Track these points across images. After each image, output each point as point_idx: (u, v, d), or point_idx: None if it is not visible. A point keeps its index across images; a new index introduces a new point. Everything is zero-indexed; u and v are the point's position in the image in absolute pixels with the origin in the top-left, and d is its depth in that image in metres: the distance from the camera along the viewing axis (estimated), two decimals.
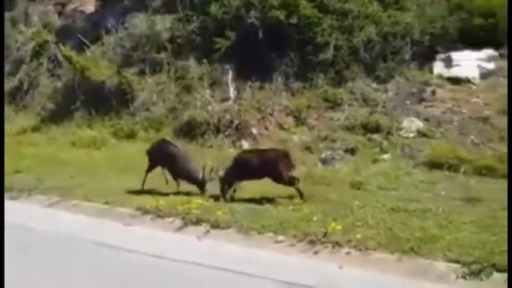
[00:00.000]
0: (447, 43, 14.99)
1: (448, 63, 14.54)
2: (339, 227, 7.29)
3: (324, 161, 12.15)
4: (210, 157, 11.95)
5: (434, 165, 11.33)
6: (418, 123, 12.99)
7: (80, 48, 17.54)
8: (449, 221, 7.64)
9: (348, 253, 6.85)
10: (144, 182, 10.52)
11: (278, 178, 9.27)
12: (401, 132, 12.91)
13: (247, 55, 14.98)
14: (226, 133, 13.94)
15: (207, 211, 8.48)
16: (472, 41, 14.79)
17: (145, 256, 7.18)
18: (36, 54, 18.45)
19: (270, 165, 9.38)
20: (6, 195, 10.18)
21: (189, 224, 8.24)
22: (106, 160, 13.23)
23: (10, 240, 7.08)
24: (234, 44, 15.31)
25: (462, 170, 10.99)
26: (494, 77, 14.24)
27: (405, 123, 13.09)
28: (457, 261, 6.30)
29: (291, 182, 9.26)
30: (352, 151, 12.65)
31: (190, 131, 14.13)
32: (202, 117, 14.16)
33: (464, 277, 6.04)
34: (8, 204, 9.49)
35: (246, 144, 13.45)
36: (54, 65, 17.90)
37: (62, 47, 16.65)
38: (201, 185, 9.99)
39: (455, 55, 14.58)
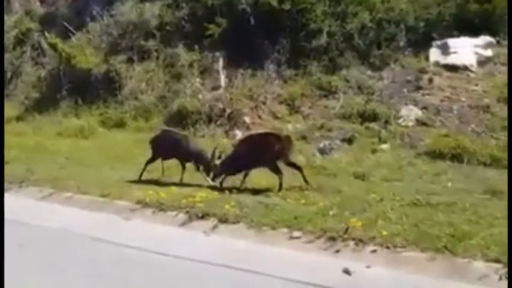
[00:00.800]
0: (443, 29, 14.28)
1: (445, 50, 13.85)
2: (360, 223, 6.72)
3: (322, 151, 11.46)
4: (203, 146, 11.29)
5: (436, 155, 10.71)
6: (417, 112, 12.35)
7: (64, 36, 16.66)
8: (479, 216, 6.99)
9: (373, 251, 6.28)
10: (142, 173, 9.89)
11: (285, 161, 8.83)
12: (400, 121, 12.29)
13: (239, 42, 14.26)
14: (218, 122, 13.25)
15: (213, 204, 7.87)
16: (468, 27, 14.11)
17: (148, 253, 6.61)
18: (19, 42, 17.58)
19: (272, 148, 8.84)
20: None
21: (194, 219, 7.62)
22: (95, 150, 12.49)
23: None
24: (225, 31, 14.62)
25: (466, 160, 10.31)
26: (491, 64, 13.61)
27: (403, 111, 12.45)
28: (497, 261, 5.70)
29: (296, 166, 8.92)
30: (349, 140, 12.01)
31: (181, 120, 13.37)
32: (193, 106, 13.44)
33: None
34: None
35: (239, 134, 12.67)
36: (38, 53, 16.97)
37: (47, 35, 15.64)
38: (208, 165, 9.41)
39: (452, 42, 13.90)
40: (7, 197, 9.14)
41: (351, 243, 6.46)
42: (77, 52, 15.41)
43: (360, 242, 6.43)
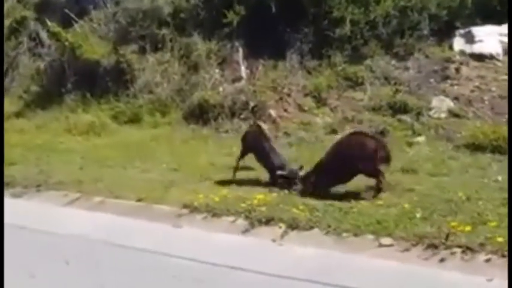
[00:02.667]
0: (465, 18, 15.16)
1: (469, 38, 14.74)
2: (464, 227, 6.65)
3: None
4: (229, 143, 11.93)
5: (476, 147, 11.47)
6: (449, 103, 13.19)
7: (63, 25, 16.98)
8: None
9: (487, 260, 6.09)
10: (235, 170, 10.15)
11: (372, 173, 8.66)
12: (432, 113, 13.08)
13: (259, 31, 14.92)
14: (241, 116, 13.85)
15: (277, 208, 7.98)
16: (490, 15, 15.02)
17: (209, 265, 6.52)
18: (14, 31, 17.78)
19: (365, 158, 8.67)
20: (7, 192, 9.72)
21: (257, 225, 7.61)
22: (112, 148, 12.92)
23: (29, 246, 6.82)
24: (244, 19, 15.17)
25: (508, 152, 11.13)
26: None
27: (434, 102, 13.27)
28: None
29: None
30: (381, 133, 12.67)
31: (202, 114, 14.02)
32: (215, 99, 14.04)
33: None
34: (12, 202, 9.07)
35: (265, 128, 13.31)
36: (36, 44, 17.24)
37: (48, 23, 16.03)
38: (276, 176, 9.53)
39: (476, 30, 14.79)
40: (24, 203, 9.53)
41: (457, 251, 6.30)
42: (82, 42, 15.81)
43: (467, 249, 6.27)
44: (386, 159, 8.86)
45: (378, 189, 8.53)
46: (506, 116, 12.58)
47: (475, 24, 14.96)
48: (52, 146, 13.18)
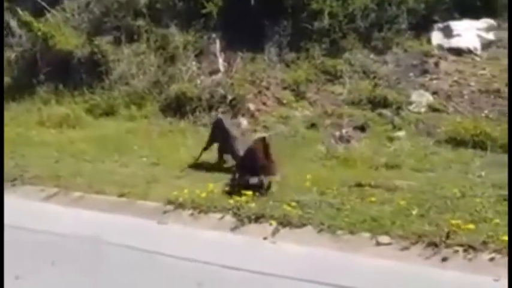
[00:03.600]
0: (443, 12, 15.08)
1: (447, 33, 14.67)
2: (463, 225, 6.49)
3: (340, 139, 11.99)
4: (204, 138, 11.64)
5: (457, 142, 11.38)
6: (428, 97, 13.06)
7: (34, 14, 16.36)
8: None
9: (491, 259, 5.97)
10: (197, 159, 10.41)
11: None
12: (411, 107, 12.94)
13: (237, 23, 14.48)
14: (219, 109, 13.49)
15: (266, 205, 7.75)
16: (468, 9, 14.96)
17: (194, 263, 6.34)
18: None
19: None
20: None
21: (246, 222, 7.39)
22: (88, 141, 12.38)
23: (9, 245, 6.40)
24: (222, 10, 14.83)
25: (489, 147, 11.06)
26: (494, 47, 14.47)
27: (414, 97, 13.13)
28: None
29: None
30: (362, 128, 12.56)
31: (179, 107, 13.58)
32: (192, 91, 13.65)
33: None
34: None
35: (244, 122, 13.09)
36: (7, 33, 16.64)
37: (19, 12, 15.48)
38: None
39: (454, 24, 14.74)
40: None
41: (459, 249, 6.16)
42: (55, 32, 15.27)
43: (469, 248, 6.14)
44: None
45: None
46: (486, 111, 12.53)
47: (453, 18, 14.90)
48: (26, 139, 12.63)
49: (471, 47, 14.27)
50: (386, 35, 14.73)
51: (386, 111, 12.88)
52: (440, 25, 14.91)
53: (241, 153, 9.62)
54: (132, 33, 15.34)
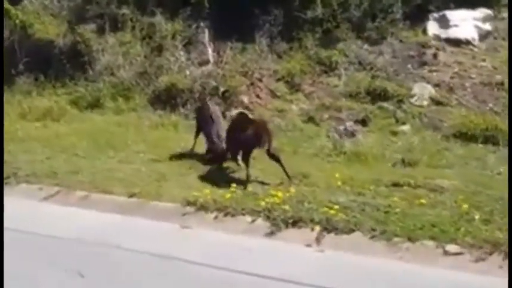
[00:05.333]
0: (438, 1, 14.14)
1: (444, 23, 13.76)
2: None
3: (343, 134, 11.00)
4: None
5: (466, 137, 10.56)
6: (430, 90, 12.14)
7: (10, 1, 14.92)
8: None
9: None
10: (193, 148, 9.69)
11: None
12: (413, 100, 12.03)
13: (226, 11, 13.31)
14: (211, 101, 12.31)
15: (301, 207, 6.80)
16: None
17: (228, 272, 5.49)
18: None
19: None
20: None
21: (283, 226, 6.47)
22: (76, 135, 11.10)
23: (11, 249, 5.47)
24: None
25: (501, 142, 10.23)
26: (491, 38, 13.65)
27: (416, 89, 12.22)
28: None
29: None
30: (363, 121, 11.61)
31: (169, 99, 12.45)
32: (183, 83, 12.51)
33: None
34: None
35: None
36: None
37: None
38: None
39: (450, 14, 13.83)
40: None
41: None
42: (34, 19, 13.96)
43: None
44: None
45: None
46: (490, 104, 11.70)
47: (449, 8, 13.96)
48: (8, 133, 11.07)
49: (469, 37, 13.40)
50: (381, 24, 13.74)
51: (387, 104, 11.94)
52: (435, 15, 13.97)
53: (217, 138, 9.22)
54: (116, 22, 14.05)
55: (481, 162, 9.49)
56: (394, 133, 11.16)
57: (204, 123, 9.65)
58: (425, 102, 11.92)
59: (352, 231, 6.21)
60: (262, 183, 8.09)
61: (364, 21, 13.85)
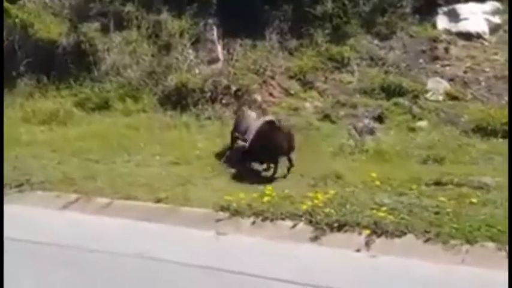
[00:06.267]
0: None
1: (453, 17, 13.80)
2: None
3: (362, 131, 10.93)
4: (215, 131, 10.54)
5: (486, 132, 10.57)
6: (445, 85, 12.14)
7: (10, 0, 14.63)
8: None
9: None
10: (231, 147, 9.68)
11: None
12: (428, 95, 12.05)
13: (234, 8, 13.23)
14: (223, 101, 12.26)
15: (344, 210, 6.67)
16: None
17: (274, 282, 5.31)
18: None
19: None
20: None
21: (327, 231, 6.34)
22: (85, 138, 10.91)
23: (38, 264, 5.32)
24: None
25: None
26: (501, 31, 13.65)
27: (430, 84, 12.25)
28: None
29: None
30: (379, 118, 11.55)
31: (179, 99, 12.28)
32: (194, 82, 12.36)
33: None
34: None
35: (252, 114, 11.78)
36: None
37: None
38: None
39: (459, 8, 13.89)
40: (7, 207, 7.38)
41: None
42: (34, 19, 13.68)
43: None
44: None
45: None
46: (506, 98, 11.72)
47: (458, 1, 13.99)
48: (12, 137, 10.84)
49: (480, 31, 13.45)
50: (390, 19, 13.75)
51: (402, 100, 11.93)
52: (445, 9, 14.02)
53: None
54: (121, 20, 13.81)
55: (505, 157, 9.32)
56: (412, 129, 11.15)
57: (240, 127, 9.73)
58: (440, 97, 11.95)
59: (403, 234, 6.08)
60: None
61: (374, 16, 13.86)
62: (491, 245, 5.74)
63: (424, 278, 5.32)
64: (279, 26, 13.44)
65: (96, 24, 13.91)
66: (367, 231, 6.16)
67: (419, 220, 6.30)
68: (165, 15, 13.56)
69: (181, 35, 13.31)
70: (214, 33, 13.41)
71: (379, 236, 6.12)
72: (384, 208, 6.58)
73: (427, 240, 5.95)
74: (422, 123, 11.31)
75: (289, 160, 8.73)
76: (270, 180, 8.45)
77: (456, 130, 10.91)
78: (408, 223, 6.24)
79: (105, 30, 13.83)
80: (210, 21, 13.51)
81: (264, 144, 8.79)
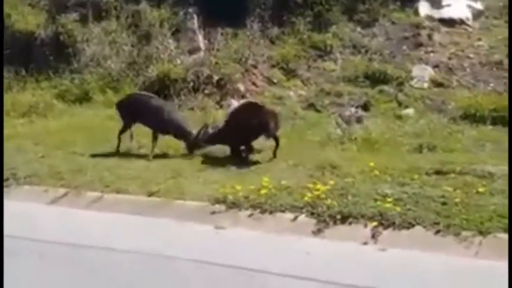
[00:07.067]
0: None
1: (436, 3, 13.27)
2: None
3: (349, 120, 10.38)
4: (199, 121, 9.95)
5: (475, 119, 10.02)
6: (430, 71, 11.61)
7: None
8: None
9: None
10: (118, 145, 8.87)
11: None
12: (413, 82, 11.52)
13: None
14: (206, 91, 11.61)
15: (346, 201, 6.11)
16: None
17: (279, 277, 4.74)
18: None
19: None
20: None
21: (331, 223, 5.76)
22: (67, 131, 10.24)
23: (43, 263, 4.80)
24: None
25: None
26: (483, 17, 13.17)
27: (415, 71, 11.72)
28: None
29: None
30: (364, 106, 11.00)
31: (162, 89, 11.51)
32: (176, 72, 11.67)
33: None
34: None
35: (235, 104, 11.21)
36: None
37: None
38: (192, 142, 8.58)
39: None
40: None
41: None
42: (11, 10, 12.91)
43: None
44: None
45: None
46: (492, 84, 11.25)
47: None
48: None
49: (463, 17, 12.91)
50: (372, 6, 13.18)
51: (387, 88, 11.39)
52: None
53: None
54: (100, 10, 13.12)
55: (497, 145, 8.91)
56: (399, 117, 10.61)
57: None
58: (425, 85, 11.48)
59: (411, 225, 5.53)
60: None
61: (355, 3, 13.34)
62: (504, 236, 5.16)
63: (439, 271, 4.79)
64: (259, 14, 12.79)
65: (74, 15, 13.20)
66: (374, 223, 5.63)
67: (427, 211, 5.74)
68: (144, 5, 12.89)
69: (161, 24, 12.63)
70: (195, 23, 12.74)
71: (385, 228, 5.57)
72: (390, 199, 6.00)
73: (437, 232, 5.41)
74: (409, 111, 10.78)
75: (276, 140, 8.25)
76: (254, 163, 8.05)
77: (444, 117, 10.36)
78: (415, 214, 5.68)
79: (83, 20, 13.12)
80: (190, 10, 12.85)
81: (245, 124, 8.20)
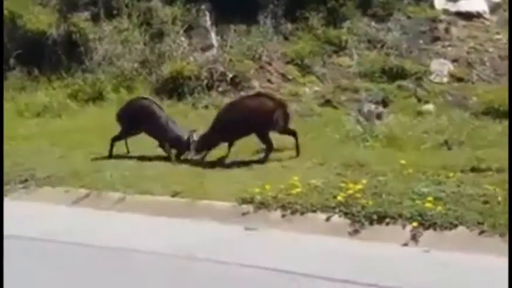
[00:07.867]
0: None
1: None
2: None
3: (369, 116, 9.73)
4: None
5: (498, 114, 9.39)
6: (449, 66, 10.93)
7: None
8: None
9: None
10: (111, 150, 8.43)
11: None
12: (432, 77, 10.85)
13: None
14: (220, 89, 11.02)
15: (380, 200, 5.64)
16: None
17: (318, 280, 4.31)
18: None
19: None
20: None
21: (366, 224, 5.33)
22: (84, 131, 9.78)
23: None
24: None
25: None
26: (501, 10, 12.45)
27: (434, 66, 11.04)
28: None
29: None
30: (383, 102, 10.35)
31: (175, 88, 11.01)
32: (189, 70, 11.07)
33: None
34: None
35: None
36: None
37: None
38: (182, 148, 8.07)
39: None
40: (15, 204, 6.66)
41: None
42: (22, 10, 12.35)
43: None
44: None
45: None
46: None
47: None
48: (8, 131, 9.64)
49: (480, 10, 12.20)
50: (386, 0, 12.44)
51: (406, 83, 10.72)
52: None
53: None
54: (111, 8, 12.45)
55: None
56: (419, 113, 9.97)
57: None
58: (445, 79, 10.82)
59: (454, 226, 5.09)
60: None
61: None
62: None
63: (493, 274, 4.29)
64: (272, 10, 12.14)
65: (86, 14, 12.61)
66: (414, 224, 5.15)
67: (469, 211, 5.28)
68: (155, 2, 12.25)
69: (173, 22, 12.00)
70: (207, 19, 12.13)
71: (426, 228, 5.14)
72: (429, 198, 5.49)
73: (481, 233, 4.98)
74: (429, 107, 10.15)
75: (295, 136, 7.81)
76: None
77: (465, 113, 9.73)
78: (457, 214, 5.23)
79: (95, 19, 12.50)
80: (203, 7, 12.21)
81: (247, 117, 7.75)
